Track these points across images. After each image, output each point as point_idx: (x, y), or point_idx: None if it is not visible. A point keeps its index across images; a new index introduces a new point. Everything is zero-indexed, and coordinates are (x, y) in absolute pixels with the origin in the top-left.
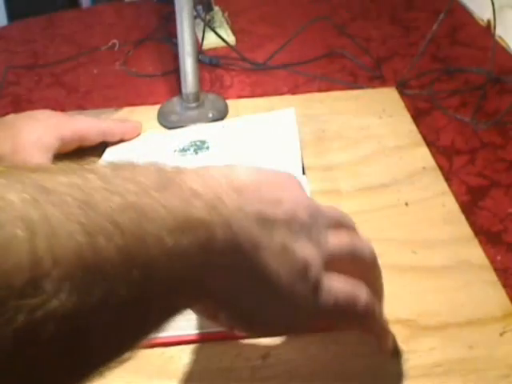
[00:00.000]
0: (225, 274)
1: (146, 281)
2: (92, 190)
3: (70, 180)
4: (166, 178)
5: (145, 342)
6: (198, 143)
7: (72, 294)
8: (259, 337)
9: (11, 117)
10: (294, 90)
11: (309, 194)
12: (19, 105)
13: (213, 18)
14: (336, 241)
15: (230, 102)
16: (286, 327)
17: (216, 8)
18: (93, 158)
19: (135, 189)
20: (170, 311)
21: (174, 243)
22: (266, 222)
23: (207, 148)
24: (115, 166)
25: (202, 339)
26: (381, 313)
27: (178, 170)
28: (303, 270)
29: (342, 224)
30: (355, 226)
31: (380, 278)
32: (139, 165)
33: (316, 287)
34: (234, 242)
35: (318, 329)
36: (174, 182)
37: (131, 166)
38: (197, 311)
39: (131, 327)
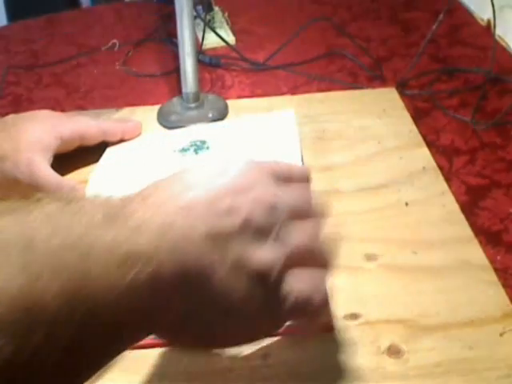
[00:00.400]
0: (175, 303)
1: (90, 319)
2: (36, 229)
3: (14, 218)
4: (111, 212)
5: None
6: (198, 143)
7: (9, 340)
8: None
9: (11, 117)
10: (293, 90)
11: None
12: (19, 105)
13: (213, 18)
14: (299, 236)
15: (230, 102)
16: (249, 338)
17: (216, 8)
18: (41, 195)
19: (79, 226)
20: (117, 345)
21: (120, 279)
22: (217, 238)
23: (207, 148)
24: (61, 203)
25: None
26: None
27: (125, 202)
28: (261, 278)
29: (304, 211)
30: (315, 204)
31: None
32: (86, 199)
33: (276, 292)
34: (183, 269)
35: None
36: (120, 216)
37: (78, 202)
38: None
39: (78, 365)
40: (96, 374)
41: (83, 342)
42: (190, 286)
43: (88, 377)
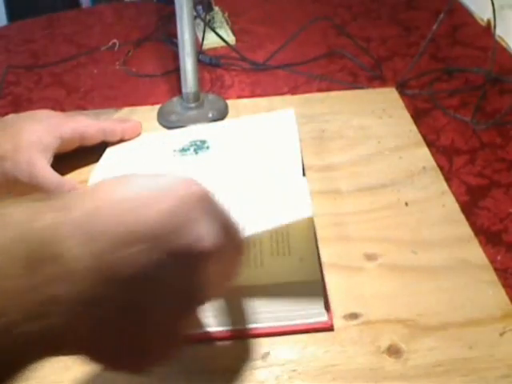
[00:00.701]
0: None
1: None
2: None
3: None
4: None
5: None
6: (198, 143)
7: None
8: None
9: (11, 117)
10: (293, 90)
11: (309, 194)
12: (19, 105)
13: (213, 18)
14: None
15: (230, 102)
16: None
17: (216, 8)
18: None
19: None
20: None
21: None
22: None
23: (207, 148)
24: None
25: (203, 339)
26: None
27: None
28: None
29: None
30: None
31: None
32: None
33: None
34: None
35: None
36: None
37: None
38: None
39: None
40: None
41: None
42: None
43: None
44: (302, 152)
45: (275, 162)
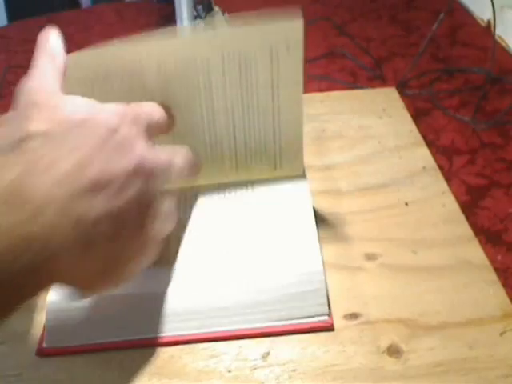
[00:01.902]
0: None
1: None
2: None
3: None
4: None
5: None
6: None
7: None
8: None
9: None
10: None
11: (309, 194)
12: None
13: (213, 18)
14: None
15: None
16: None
17: (216, 8)
18: None
19: None
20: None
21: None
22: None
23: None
24: None
25: (202, 339)
26: None
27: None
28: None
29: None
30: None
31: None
32: None
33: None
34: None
35: None
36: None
37: None
38: None
39: None
40: None
41: None
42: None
43: None
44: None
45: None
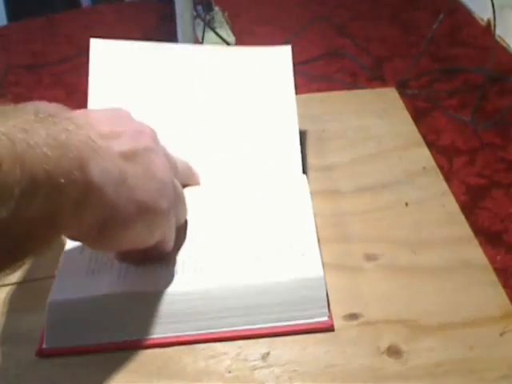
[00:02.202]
0: (102, 201)
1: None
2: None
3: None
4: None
5: None
6: None
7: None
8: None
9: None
10: None
11: (309, 194)
12: None
13: (213, 18)
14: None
15: None
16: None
17: (216, 8)
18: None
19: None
20: (51, 231)
21: (56, 162)
22: (128, 156)
23: None
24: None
25: (202, 339)
26: None
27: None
28: (162, 187)
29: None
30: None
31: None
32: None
33: (170, 201)
34: (105, 171)
35: None
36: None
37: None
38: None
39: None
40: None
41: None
42: (110, 187)
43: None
44: (302, 152)
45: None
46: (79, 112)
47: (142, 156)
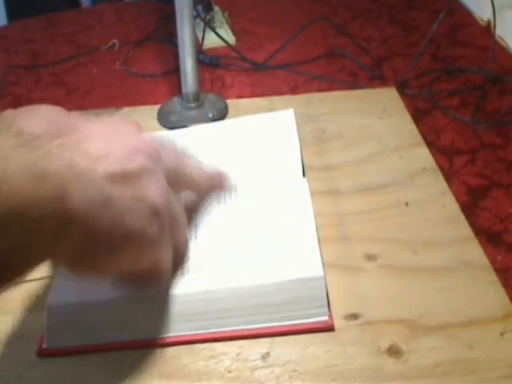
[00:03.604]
0: (79, 230)
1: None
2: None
3: None
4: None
5: None
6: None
7: None
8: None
9: (9, 112)
10: (293, 90)
11: (309, 194)
12: (19, 105)
13: (213, 17)
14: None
15: (230, 102)
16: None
17: (216, 8)
18: None
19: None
20: (24, 263)
21: (33, 192)
22: (115, 178)
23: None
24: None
25: (202, 339)
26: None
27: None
28: (154, 212)
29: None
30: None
31: None
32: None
33: (162, 226)
34: (87, 197)
35: None
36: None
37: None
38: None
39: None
40: None
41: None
42: (92, 214)
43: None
44: (302, 152)
45: (275, 163)
46: (76, 124)
47: (132, 178)
